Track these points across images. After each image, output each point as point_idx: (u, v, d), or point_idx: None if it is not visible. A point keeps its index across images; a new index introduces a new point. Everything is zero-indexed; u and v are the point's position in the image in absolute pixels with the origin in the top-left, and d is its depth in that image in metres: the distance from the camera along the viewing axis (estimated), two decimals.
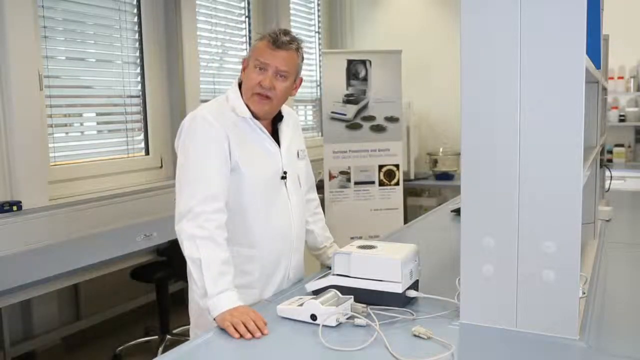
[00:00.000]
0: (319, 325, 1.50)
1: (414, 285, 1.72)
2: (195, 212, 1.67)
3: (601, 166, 2.93)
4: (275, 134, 1.90)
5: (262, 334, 1.49)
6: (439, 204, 4.32)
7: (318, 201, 2.17)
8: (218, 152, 1.73)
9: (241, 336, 1.48)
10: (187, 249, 1.67)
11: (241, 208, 1.79)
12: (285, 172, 1.87)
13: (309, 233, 2.09)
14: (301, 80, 1.89)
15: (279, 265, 1.89)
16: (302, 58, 1.86)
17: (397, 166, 5.32)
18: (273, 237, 1.85)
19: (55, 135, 3.79)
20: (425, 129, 6.45)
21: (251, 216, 1.81)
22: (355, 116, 5.24)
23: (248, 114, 1.80)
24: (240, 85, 1.86)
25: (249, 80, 1.79)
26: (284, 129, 1.92)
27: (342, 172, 5.28)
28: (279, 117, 1.92)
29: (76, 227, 3.66)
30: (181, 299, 4.29)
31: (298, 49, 1.81)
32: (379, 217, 5.29)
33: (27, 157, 3.46)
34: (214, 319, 1.57)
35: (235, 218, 1.77)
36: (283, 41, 1.76)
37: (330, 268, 1.75)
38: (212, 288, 1.60)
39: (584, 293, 1.68)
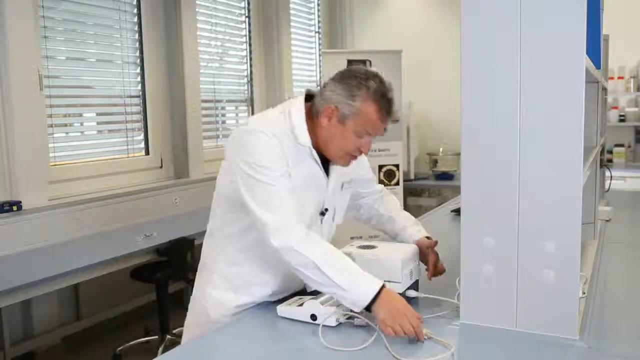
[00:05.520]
0: (319, 325, 1.51)
1: (414, 285, 1.72)
2: (276, 226, 1.55)
3: (601, 166, 2.93)
4: (325, 165, 1.74)
5: (419, 340, 1.43)
6: (439, 204, 4.31)
7: (380, 194, 2.01)
8: (284, 168, 1.61)
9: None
10: (294, 260, 1.54)
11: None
12: (326, 209, 1.75)
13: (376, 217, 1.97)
14: None
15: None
16: None
17: (397, 166, 5.32)
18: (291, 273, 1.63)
19: (55, 135, 3.79)
20: (425, 129, 6.45)
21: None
22: None
23: (310, 144, 1.66)
24: (307, 113, 1.68)
25: (346, 143, 1.65)
26: None
27: None
28: None
29: (76, 227, 3.66)
30: (181, 299, 4.29)
31: None
32: None
33: (27, 157, 3.46)
34: (366, 309, 1.49)
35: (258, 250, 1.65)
36: (395, 110, 1.65)
37: None
38: (345, 281, 1.50)
39: (584, 293, 1.68)
